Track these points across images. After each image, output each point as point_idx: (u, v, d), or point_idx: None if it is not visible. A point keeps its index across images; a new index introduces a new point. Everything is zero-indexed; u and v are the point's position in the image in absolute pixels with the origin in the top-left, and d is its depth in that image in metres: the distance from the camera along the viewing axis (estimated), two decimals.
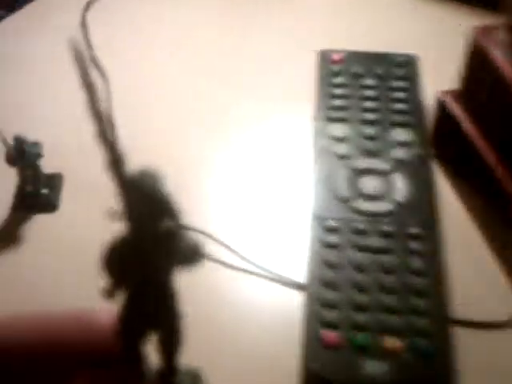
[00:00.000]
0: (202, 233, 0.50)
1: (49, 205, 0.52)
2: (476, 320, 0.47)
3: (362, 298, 0.45)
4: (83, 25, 0.65)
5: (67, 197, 0.54)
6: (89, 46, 0.64)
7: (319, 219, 0.49)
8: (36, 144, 0.50)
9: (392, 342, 0.43)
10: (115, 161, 0.26)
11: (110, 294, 0.27)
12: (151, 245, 0.26)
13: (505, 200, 0.48)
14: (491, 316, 0.47)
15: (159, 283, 0.27)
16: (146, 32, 0.67)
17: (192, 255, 0.27)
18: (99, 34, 0.65)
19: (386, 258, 0.46)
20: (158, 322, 0.29)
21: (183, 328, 0.31)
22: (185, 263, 0.27)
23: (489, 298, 0.48)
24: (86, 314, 0.32)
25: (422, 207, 0.49)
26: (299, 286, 0.48)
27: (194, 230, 0.49)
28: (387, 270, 0.46)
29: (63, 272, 0.49)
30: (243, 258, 0.50)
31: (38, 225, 0.52)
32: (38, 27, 0.68)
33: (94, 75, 0.60)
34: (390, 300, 0.44)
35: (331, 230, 0.48)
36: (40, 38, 0.66)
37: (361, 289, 0.45)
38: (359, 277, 0.46)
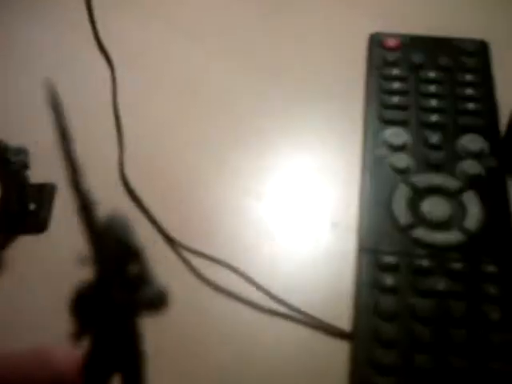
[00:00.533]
0: (229, 267, 0.41)
1: (37, 223, 0.44)
2: None
3: (425, 360, 0.35)
4: (89, 8, 0.56)
5: (60, 212, 0.45)
6: (95, 32, 0.54)
7: (370, 253, 0.39)
8: (21, 152, 0.41)
9: None
10: (85, 207, 0.26)
11: (76, 337, 0.27)
12: (118, 289, 0.26)
13: None
14: None
15: (124, 327, 0.28)
16: (160, 17, 0.57)
17: (157, 301, 0.27)
18: (105, 19, 0.55)
19: (455, 306, 0.37)
20: (122, 364, 0.29)
21: (145, 370, 0.30)
22: (150, 309, 0.27)
23: None
24: (45, 351, 0.32)
25: (499, 238, 0.40)
26: (343, 335, 0.39)
27: (220, 263, 0.41)
28: (457, 323, 0.37)
29: (52, 302, 0.40)
30: (274, 299, 0.40)
31: (24, 247, 0.44)
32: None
33: (100, 64, 0.53)
34: (460, 363, 0.35)
35: (387, 269, 0.39)
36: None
37: (423, 347, 0.36)
38: (422, 331, 0.36)
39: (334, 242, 0.43)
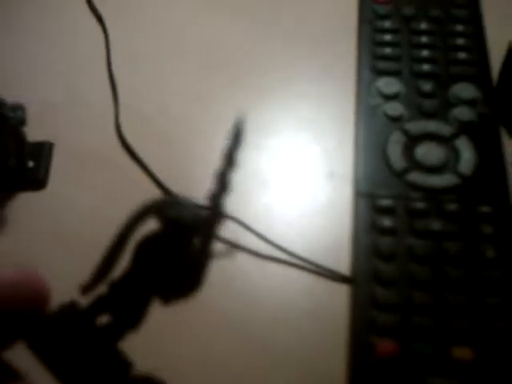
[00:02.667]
0: (235, 220, 0.44)
1: (36, 181, 0.46)
2: None
3: (424, 297, 0.38)
4: None
5: (58, 170, 0.47)
6: None
7: (367, 197, 0.42)
8: (18, 108, 0.44)
9: (462, 352, 0.36)
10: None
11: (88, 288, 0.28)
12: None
13: None
14: None
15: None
16: None
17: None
18: None
19: (451, 246, 0.40)
20: None
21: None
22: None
23: None
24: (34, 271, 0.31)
25: (492, 181, 0.43)
26: (344, 279, 0.41)
27: (227, 217, 0.43)
28: (453, 261, 0.39)
29: (51, 258, 0.43)
30: (275, 246, 0.43)
31: (24, 205, 0.46)
32: None
33: (92, 23, 0.55)
34: (457, 299, 0.38)
35: (383, 211, 0.41)
36: None
37: (422, 285, 0.39)
38: (419, 270, 0.39)
39: (330, 191, 0.45)
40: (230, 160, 0.28)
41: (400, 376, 0.36)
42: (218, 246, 0.28)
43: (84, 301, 0.29)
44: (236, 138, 0.28)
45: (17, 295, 0.29)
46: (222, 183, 0.29)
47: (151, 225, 0.27)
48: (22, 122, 0.44)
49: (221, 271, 0.43)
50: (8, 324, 0.29)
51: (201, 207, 0.28)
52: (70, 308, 0.30)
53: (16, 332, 0.29)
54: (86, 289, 0.29)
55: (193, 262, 0.28)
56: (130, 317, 0.30)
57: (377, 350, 0.37)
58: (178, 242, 0.28)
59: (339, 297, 0.41)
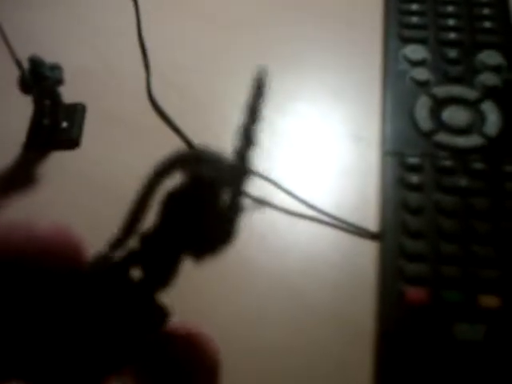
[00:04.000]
0: (265, 178, 0.46)
1: (69, 140, 0.48)
2: None
3: (452, 248, 0.40)
4: None
5: (90, 131, 0.50)
6: None
7: (396, 156, 0.44)
8: (56, 67, 0.46)
9: (489, 300, 0.39)
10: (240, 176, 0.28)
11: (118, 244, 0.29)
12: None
13: None
14: None
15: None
16: None
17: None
18: None
19: (477, 201, 0.42)
20: None
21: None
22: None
23: None
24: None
25: None
26: (372, 235, 0.44)
27: (256, 174, 0.45)
28: (480, 215, 0.42)
29: (87, 213, 0.45)
30: (307, 204, 0.45)
31: (57, 163, 0.48)
32: None
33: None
34: (484, 250, 0.40)
35: (412, 169, 0.43)
36: None
37: (449, 237, 0.41)
38: (447, 223, 0.41)
39: (357, 153, 0.47)
40: (253, 113, 0.28)
41: (429, 322, 0.38)
42: (247, 202, 0.28)
43: (115, 255, 0.30)
44: (259, 91, 0.28)
45: (51, 249, 0.30)
46: (247, 138, 0.29)
47: (177, 178, 0.27)
48: (60, 81, 0.46)
49: (251, 228, 0.45)
50: (44, 279, 0.29)
51: (227, 162, 0.28)
52: (103, 261, 0.30)
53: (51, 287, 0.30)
54: (115, 244, 0.30)
55: (222, 218, 0.28)
56: (162, 272, 0.30)
57: (406, 297, 0.39)
58: (204, 197, 0.28)
59: (367, 252, 0.43)
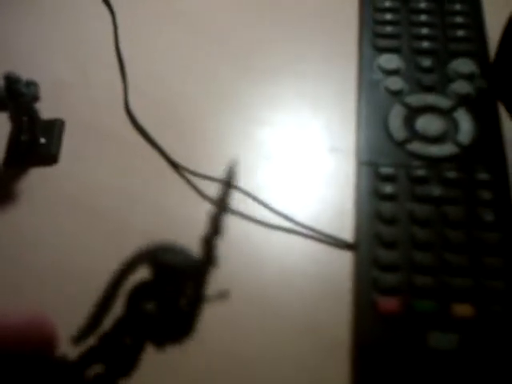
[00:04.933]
0: (241, 190, 0.46)
1: (48, 156, 0.49)
2: None
3: (425, 258, 0.41)
4: None
5: (68, 146, 0.50)
6: None
7: (370, 166, 0.45)
8: (32, 84, 0.46)
9: (462, 309, 0.39)
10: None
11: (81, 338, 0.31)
12: None
13: None
14: None
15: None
16: None
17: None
18: None
19: (451, 210, 0.42)
20: None
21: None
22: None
23: None
24: (40, 315, 0.34)
25: (490, 150, 0.45)
26: (348, 246, 0.44)
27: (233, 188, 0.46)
28: (453, 224, 0.42)
29: (64, 230, 0.45)
30: (283, 216, 0.46)
31: (36, 179, 0.48)
32: None
33: (101, 10, 0.58)
34: (457, 259, 0.41)
35: (386, 179, 0.44)
36: None
37: (423, 247, 0.41)
38: (420, 232, 0.42)
39: (333, 164, 0.48)
40: (221, 204, 0.30)
41: (402, 332, 0.38)
42: (210, 295, 0.31)
43: (75, 352, 0.32)
44: (228, 182, 0.30)
45: (25, 339, 0.32)
46: (215, 227, 0.30)
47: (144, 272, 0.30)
48: (36, 97, 0.47)
49: (227, 241, 0.45)
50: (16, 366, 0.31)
51: (191, 255, 0.30)
52: (61, 362, 0.32)
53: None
54: (78, 339, 0.31)
55: (186, 308, 0.31)
56: (123, 364, 0.32)
57: (379, 307, 0.39)
58: (170, 288, 0.30)
59: (343, 263, 0.44)
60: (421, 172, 0.44)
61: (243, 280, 0.43)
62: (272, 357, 0.40)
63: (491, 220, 0.42)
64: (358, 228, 0.43)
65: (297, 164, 0.48)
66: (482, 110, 0.47)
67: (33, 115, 0.48)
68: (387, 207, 0.43)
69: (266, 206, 0.46)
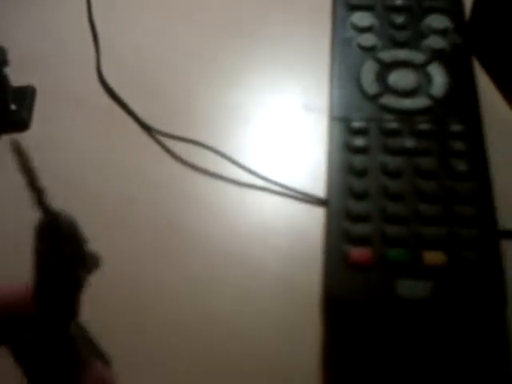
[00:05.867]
0: (214, 151, 0.46)
1: (19, 122, 0.48)
2: None
3: (397, 208, 0.40)
4: None
5: (40, 112, 0.49)
6: None
7: (342, 121, 0.44)
8: None
9: (434, 257, 0.38)
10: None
11: None
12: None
13: None
14: None
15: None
16: None
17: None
18: None
19: (423, 161, 0.42)
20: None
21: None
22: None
23: None
24: None
25: (464, 102, 0.44)
26: (321, 202, 0.43)
27: (196, 143, 0.46)
28: (425, 175, 0.41)
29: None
30: (257, 175, 0.45)
31: (7, 146, 0.48)
32: None
33: None
34: (430, 209, 0.40)
35: (357, 132, 0.43)
36: None
37: (395, 197, 0.40)
38: (392, 183, 0.41)
39: (307, 122, 0.47)
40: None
41: (372, 282, 0.37)
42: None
43: None
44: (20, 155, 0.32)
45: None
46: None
47: None
48: (4, 62, 0.46)
49: (201, 201, 0.45)
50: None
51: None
52: None
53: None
54: None
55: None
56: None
57: (350, 258, 0.38)
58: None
59: (317, 218, 0.43)
60: (393, 125, 0.43)
61: (218, 238, 0.43)
62: (247, 313, 0.40)
63: (464, 170, 0.41)
64: (330, 182, 0.42)
65: (271, 124, 0.48)
66: (456, 65, 0.46)
67: (2, 81, 0.47)
68: (359, 160, 0.42)
69: (239, 165, 0.45)
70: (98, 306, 0.37)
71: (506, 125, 0.47)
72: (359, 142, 0.42)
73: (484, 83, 0.49)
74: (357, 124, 0.43)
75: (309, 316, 0.39)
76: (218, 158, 0.46)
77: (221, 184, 0.45)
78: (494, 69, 0.50)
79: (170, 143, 0.47)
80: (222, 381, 0.38)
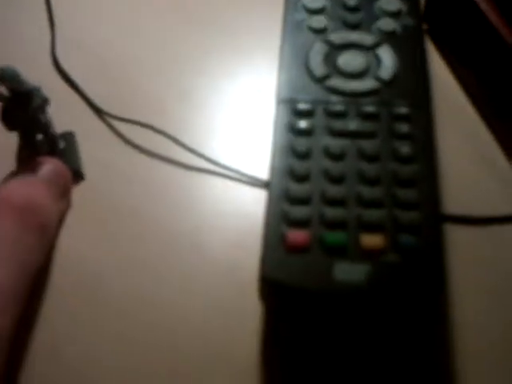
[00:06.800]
0: (161, 133, 0.45)
1: (75, 174, 0.44)
2: (471, 215, 0.42)
3: (337, 190, 0.39)
4: None
5: None
6: None
7: (287, 103, 0.43)
8: (36, 88, 0.41)
9: (372, 240, 0.37)
10: None
11: None
12: None
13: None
14: (489, 210, 0.42)
15: None
16: None
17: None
18: None
19: (367, 144, 0.41)
20: None
21: None
22: None
23: (487, 189, 0.43)
24: None
25: (412, 85, 0.44)
26: (264, 184, 0.42)
27: (143, 125, 0.45)
28: (369, 158, 0.40)
29: None
30: (201, 157, 0.45)
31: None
32: None
33: None
34: (371, 192, 0.39)
35: (302, 114, 0.42)
36: None
37: (336, 180, 0.40)
38: (334, 166, 0.40)
39: (257, 105, 0.47)
40: None
41: (309, 265, 0.37)
42: None
43: None
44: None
45: None
46: None
47: None
48: (45, 102, 0.44)
49: (146, 183, 0.44)
50: None
51: None
52: None
53: None
54: None
55: None
56: None
57: (287, 240, 0.37)
58: None
59: (261, 201, 0.42)
60: (338, 107, 0.42)
61: (164, 221, 0.43)
62: (192, 295, 0.40)
63: (408, 153, 0.40)
64: (273, 164, 0.41)
65: (224, 108, 0.47)
66: (408, 47, 0.45)
67: (48, 128, 0.44)
68: (302, 142, 0.41)
69: (188, 148, 0.45)
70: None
71: (458, 108, 0.47)
72: (303, 124, 0.42)
73: (438, 66, 0.48)
74: (302, 106, 0.42)
75: (252, 298, 0.38)
76: (168, 141, 0.45)
77: (168, 167, 0.45)
78: (448, 51, 0.49)
79: (121, 126, 0.46)
80: (165, 361, 0.37)
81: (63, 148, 0.44)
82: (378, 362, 0.37)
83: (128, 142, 0.46)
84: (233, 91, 0.48)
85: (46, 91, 0.46)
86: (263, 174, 0.43)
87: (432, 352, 0.37)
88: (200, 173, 0.44)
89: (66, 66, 0.50)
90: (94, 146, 0.46)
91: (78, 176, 0.44)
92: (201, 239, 0.42)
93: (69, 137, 0.45)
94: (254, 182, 0.43)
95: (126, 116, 0.47)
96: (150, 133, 0.46)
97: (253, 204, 0.43)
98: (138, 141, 0.46)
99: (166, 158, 0.45)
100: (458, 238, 0.41)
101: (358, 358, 0.37)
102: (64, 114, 0.47)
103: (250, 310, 0.39)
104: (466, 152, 0.45)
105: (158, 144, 0.45)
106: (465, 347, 0.37)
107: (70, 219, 0.42)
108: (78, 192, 0.43)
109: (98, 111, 0.47)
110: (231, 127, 0.46)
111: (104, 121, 0.47)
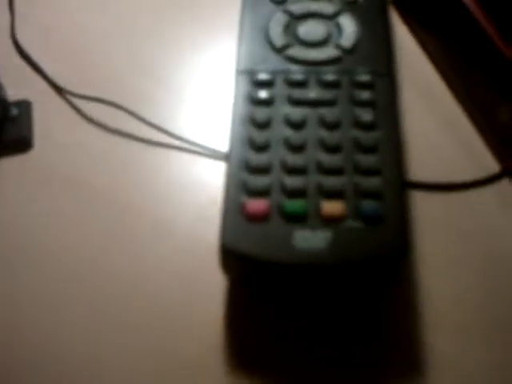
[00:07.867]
0: (112, 104, 0.44)
1: (22, 142, 0.44)
2: (433, 181, 0.41)
3: (297, 159, 0.38)
4: None
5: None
6: None
7: (247, 73, 0.42)
8: None
9: (333, 207, 0.36)
10: None
11: None
12: None
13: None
14: (453, 176, 0.41)
15: None
16: None
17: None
18: None
19: (327, 112, 0.40)
20: None
21: None
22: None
23: (451, 156, 0.43)
24: None
25: (374, 53, 0.43)
26: (224, 156, 0.41)
27: (102, 101, 0.44)
28: (329, 125, 0.39)
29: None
30: (156, 128, 0.43)
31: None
32: None
33: None
34: (331, 159, 0.38)
35: (261, 84, 0.41)
36: None
37: (296, 148, 0.38)
38: (294, 135, 0.39)
39: (220, 79, 0.46)
40: None
41: (269, 234, 0.36)
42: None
43: None
44: None
45: None
46: None
47: None
48: None
49: (106, 159, 0.43)
50: None
51: None
52: None
53: None
54: None
55: None
56: None
57: (247, 209, 0.36)
58: None
59: (220, 173, 0.41)
60: (298, 76, 0.41)
61: (126, 196, 0.42)
62: (153, 268, 0.39)
63: (369, 120, 0.39)
64: (232, 135, 0.40)
65: (185, 82, 0.46)
66: (370, 15, 0.44)
67: None
68: (261, 112, 0.40)
69: (145, 121, 0.43)
70: None
71: (423, 75, 0.46)
72: (263, 94, 0.41)
73: (402, 34, 0.47)
74: (262, 76, 0.41)
75: (214, 270, 0.38)
76: (128, 117, 0.44)
77: (128, 142, 0.44)
78: (413, 19, 0.48)
79: (82, 105, 0.45)
80: (126, 336, 0.36)
81: (16, 115, 0.43)
82: (340, 329, 0.36)
83: (90, 120, 0.45)
84: (195, 64, 0.47)
85: (6, 71, 0.45)
86: (224, 146, 0.42)
87: (396, 317, 0.36)
88: (161, 147, 0.43)
89: (25, 45, 0.49)
90: (56, 126, 0.44)
91: (25, 144, 0.43)
92: (162, 213, 0.40)
93: (24, 105, 0.44)
94: (214, 155, 0.42)
95: (88, 93, 0.45)
96: (111, 109, 0.45)
97: (213, 176, 0.42)
98: (99, 118, 0.45)
99: (126, 133, 0.44)
100: (422, 204, 0.40)
101: (321, 325, 0.36)
102: (25, 93, 0.46)
103: (212, 282, 0.38)
104: (430, 118, 0.44)
105: (118, 120, 0.44)
106: (429, 311, 0.36)
107: (14, 187, 0.41)
108: (26, 161, 0.42)
109: (59, 89, 0.46)
110: (193, 101, 0.45)
111: (65, 99, 0.46)
